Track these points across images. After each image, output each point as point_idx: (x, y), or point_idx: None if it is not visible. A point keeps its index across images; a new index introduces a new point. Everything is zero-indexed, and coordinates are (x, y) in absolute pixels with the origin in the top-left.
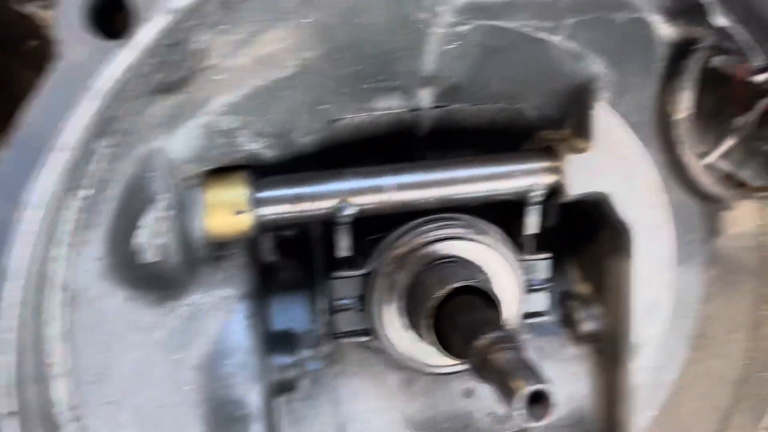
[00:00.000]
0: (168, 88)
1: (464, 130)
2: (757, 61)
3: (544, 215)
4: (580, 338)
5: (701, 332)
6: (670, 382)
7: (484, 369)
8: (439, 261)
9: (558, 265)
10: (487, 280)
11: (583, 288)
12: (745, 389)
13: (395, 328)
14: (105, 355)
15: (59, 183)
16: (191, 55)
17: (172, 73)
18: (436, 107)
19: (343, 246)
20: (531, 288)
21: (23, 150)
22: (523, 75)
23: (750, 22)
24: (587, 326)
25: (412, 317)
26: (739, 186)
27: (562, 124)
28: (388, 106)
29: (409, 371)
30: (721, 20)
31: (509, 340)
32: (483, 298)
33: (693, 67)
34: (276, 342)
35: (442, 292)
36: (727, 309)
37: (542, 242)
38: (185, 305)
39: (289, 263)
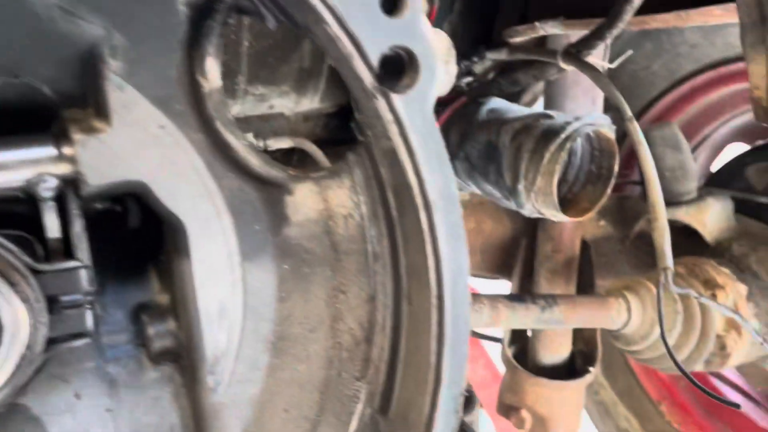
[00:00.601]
0: None
1: None
2: (269, 23)
3: (126, 215)
4: (157, 358)
5: (282, 335)
6: (256, 394)
7: None
8: None
9: (140, 273)
10: None
11: (162, 299)
12: (329, 392)
13: None
14: None
15: None
16: None
17: None
18: None
19: None
20: (64, 305)
21: None
22: (13, 39)
23: None
24: (162, 343)
25: None
26: (295, 167)
27: (78, 101)
28: None
29: None
30: None
31: None
32: None
33: (216, 30)
34: None
35: None
36: (304, 306)
37: (126, 247)
38: None
39: None
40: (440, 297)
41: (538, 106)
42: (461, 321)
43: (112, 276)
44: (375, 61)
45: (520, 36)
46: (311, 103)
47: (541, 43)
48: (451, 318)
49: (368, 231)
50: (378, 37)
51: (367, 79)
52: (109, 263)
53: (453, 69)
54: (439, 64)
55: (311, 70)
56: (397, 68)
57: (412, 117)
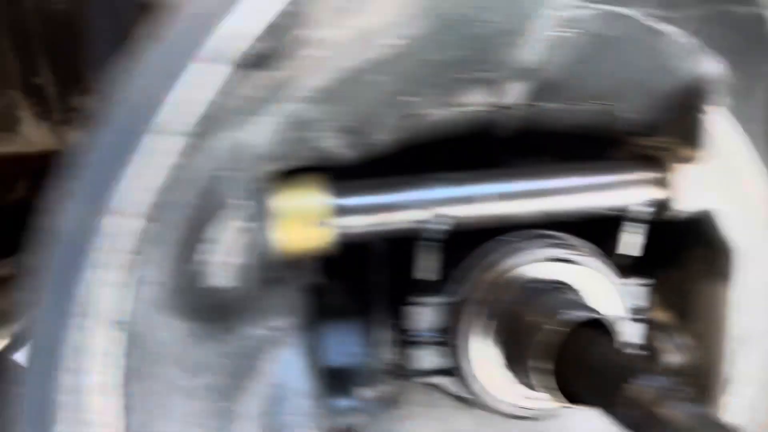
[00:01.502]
0: (259, 62)
1: (548, 134)
2: None
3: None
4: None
5: None
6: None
7: (648, 424)
8: (541, 287)
9: None
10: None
11: (663, 316)
12: None
13: (487, 367)
14: (158, 410)
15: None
16: (290, 17)
17: (270, 40)
18: (527, 105)
19: (429, 267)
20: (632, 318)
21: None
22: (629, 71)
23: None
24: (672, 358)
25: (513, 355)
26: None
27: (657, 130)
28: (471, 102)
29: (482, 412)
30: None
31: (677, 390)
32: (605, 335)
33: None
34: (330, 381)
35: (565, 327)
36: None
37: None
38: (238, 340)
39: (335, 286)
40: None
41: None
42: None
43: None
44: None
45: None
46: None
47: None
48: None
49: None
50: None
51: None
52: None
53: None
54: None
55: None
56: None
57: None
